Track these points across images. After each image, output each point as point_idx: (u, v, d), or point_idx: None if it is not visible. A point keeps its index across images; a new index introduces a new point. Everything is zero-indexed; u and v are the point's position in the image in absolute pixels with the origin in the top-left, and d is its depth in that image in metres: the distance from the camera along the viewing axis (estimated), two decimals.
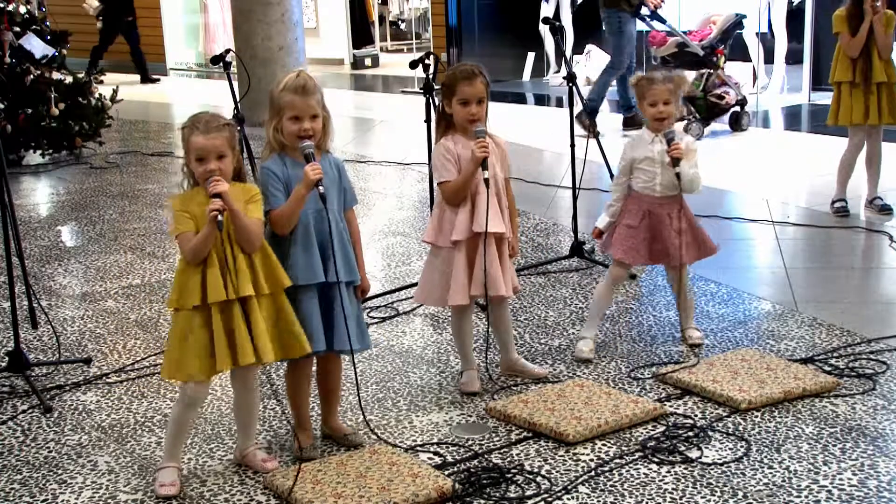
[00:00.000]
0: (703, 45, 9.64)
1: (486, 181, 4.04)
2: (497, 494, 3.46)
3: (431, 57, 5.51)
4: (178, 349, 3.48)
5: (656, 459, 3.66)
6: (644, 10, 9.79)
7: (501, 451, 3.77)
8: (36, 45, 9.24)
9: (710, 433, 3.84)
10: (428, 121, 5.45)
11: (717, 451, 3.71)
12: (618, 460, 3.67)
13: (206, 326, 3.45)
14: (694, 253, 4.63)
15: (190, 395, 3.55)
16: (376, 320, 5.22)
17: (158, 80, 16.10)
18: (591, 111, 9.10)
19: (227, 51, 5.36)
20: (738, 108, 9.82)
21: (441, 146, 4.14)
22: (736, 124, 9.90)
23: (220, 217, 3.35)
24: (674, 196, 4.55)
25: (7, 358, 4.63)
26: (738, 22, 9.84)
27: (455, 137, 4.14)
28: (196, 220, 3.44)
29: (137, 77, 15.95)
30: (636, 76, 4.62)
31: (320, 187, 3.54)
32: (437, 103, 4.24)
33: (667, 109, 4.46)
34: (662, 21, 9.80)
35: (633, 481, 3.53)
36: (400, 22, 19.69)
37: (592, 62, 13.69)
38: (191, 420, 3.65)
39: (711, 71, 9.64)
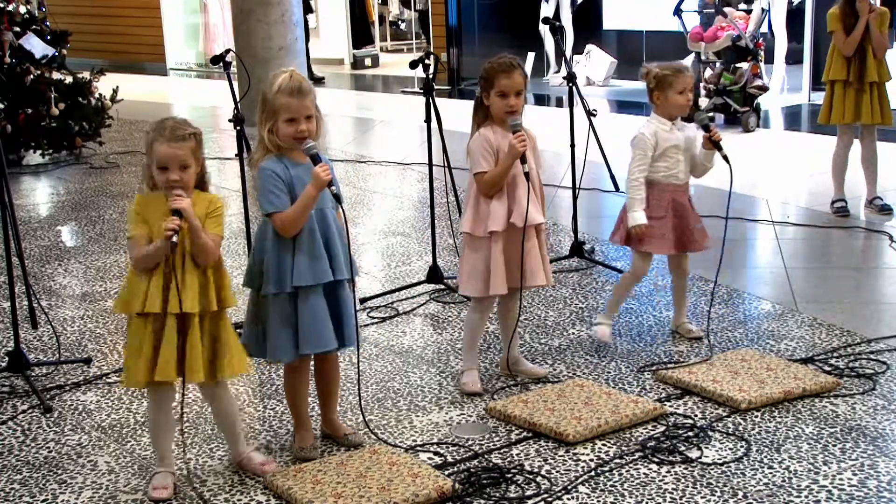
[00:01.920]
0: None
1: (527, 174, 4.07)
2: (497, 494, 3.46)
3: (431, 57, 5.51)
4: (129, 355, 3.45)
5: (656, 459, 3.66)
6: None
7: (501, 451, 3.77)
8: (36, 45, 9.24)
9: (710, 433, 3.84)
10: (428, 121, 5.45)
11: (717, 451, 3.71)
12: (618, 460, 3.67)
13: (150, 334, 3.40)
14: (706, 236, 4.69)
15: (154, 401, 3.55)
16: (376, 320, 5.22)
17: (322, 78, 15.57)
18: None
19: (227, 51, 5.35)
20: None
21: (481, 136, 4.15)
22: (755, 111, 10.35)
23: (174, 238, 3.29)
24: (687, 182, 4.64)
25: (7, 358, 4.63)
26: (765, 17, 10.24)
27: (494, 128, 4.16)
28: (150, 225, 3.39)
29: (142, 78, 15.93)
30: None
31: (333, 187, 3.55)
32: (477, 95, 4.23)
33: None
34: (724, 15, 10.02)
35: (633, 481, 3.53)
36: (400, 22, 19.71)
37: (592, 62, 13.70)
38: (163, 422, 3.59)
39: (746, 64, 9.93)
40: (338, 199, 3.59)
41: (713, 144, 4.47)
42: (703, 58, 10.21)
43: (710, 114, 4.49)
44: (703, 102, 10.28)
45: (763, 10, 10.26)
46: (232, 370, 3.54)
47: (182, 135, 3.40)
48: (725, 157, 4.42)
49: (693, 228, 4.63)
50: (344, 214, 3.72)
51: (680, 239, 4.61)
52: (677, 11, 10.29)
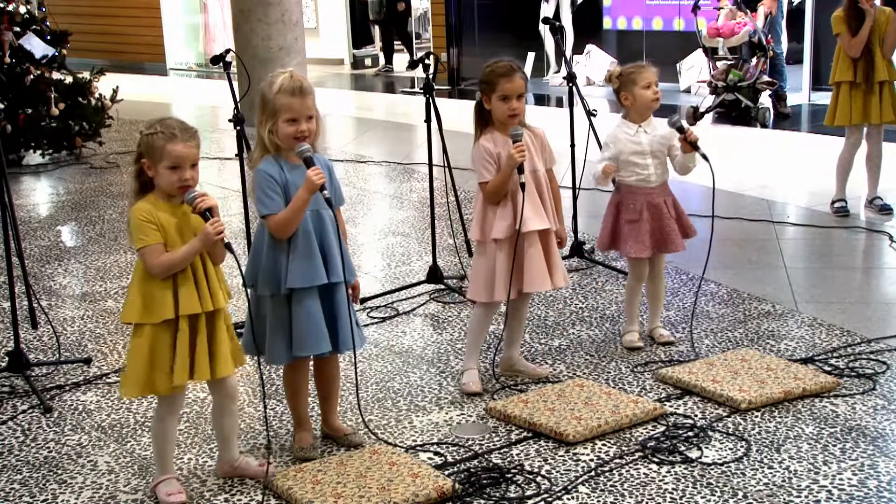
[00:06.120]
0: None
1: (523, 185, 4.07)
2: (497, 494, 3.46)
3: (431, 57, 5.51)
4: (144, 365, 3.37)
5: (656, 459, 3.66)
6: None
7: (501, 451, 3.77)
8: (36, 45, 9.24)
9: (710, 433, 3.84)
10: (428, 121, 5.45)
11: (717, 451, 3.71)
12: (618, 460, 3.67)
13: (171, 340, 3.36)
14: (683, 237, 4.66)
15: (167, 406, 3.50)
16: (376, 320, 5.22)
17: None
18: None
19: (227, 51, 5.35)
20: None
21: (481, 147, 4.16)
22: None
23: (226, 239, 3.31)
24: (664, 183, 4.61)
25: (7, 358, 4.63)
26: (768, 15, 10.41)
27: (494, 136, 4.16)
28: (164, 231, 3.34)
29: (142, 78, 15.90)
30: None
31: (325, 191, 3.53)
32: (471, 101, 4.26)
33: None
34: (746, 11, 10.15)
35: (633, 481, 3.53)
36: None
37: (592, 62, 13.69)
38: (173, 428, 3.57)
39: (755, 60, 10.04)
40: (329, 203, 3.56)
41: (690, 146, 4.46)
42: (719, 53, 10.26)
43: (676, 116, 4.44)
44: (710, 100, 10.30)
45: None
46: (242, 359, 3.56)
47: (193, 132, 3.37)
48: (704, 156, 4.42)
49: (670, 230, 4.59)
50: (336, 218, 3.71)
51: (657, 241, 4.59)
52: (695, 9, 10.38)
